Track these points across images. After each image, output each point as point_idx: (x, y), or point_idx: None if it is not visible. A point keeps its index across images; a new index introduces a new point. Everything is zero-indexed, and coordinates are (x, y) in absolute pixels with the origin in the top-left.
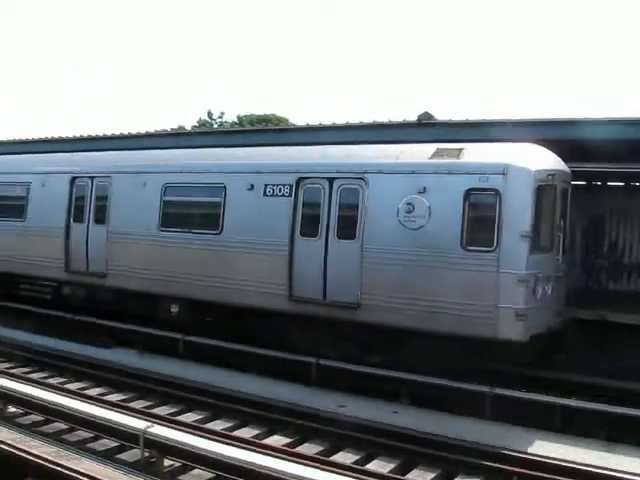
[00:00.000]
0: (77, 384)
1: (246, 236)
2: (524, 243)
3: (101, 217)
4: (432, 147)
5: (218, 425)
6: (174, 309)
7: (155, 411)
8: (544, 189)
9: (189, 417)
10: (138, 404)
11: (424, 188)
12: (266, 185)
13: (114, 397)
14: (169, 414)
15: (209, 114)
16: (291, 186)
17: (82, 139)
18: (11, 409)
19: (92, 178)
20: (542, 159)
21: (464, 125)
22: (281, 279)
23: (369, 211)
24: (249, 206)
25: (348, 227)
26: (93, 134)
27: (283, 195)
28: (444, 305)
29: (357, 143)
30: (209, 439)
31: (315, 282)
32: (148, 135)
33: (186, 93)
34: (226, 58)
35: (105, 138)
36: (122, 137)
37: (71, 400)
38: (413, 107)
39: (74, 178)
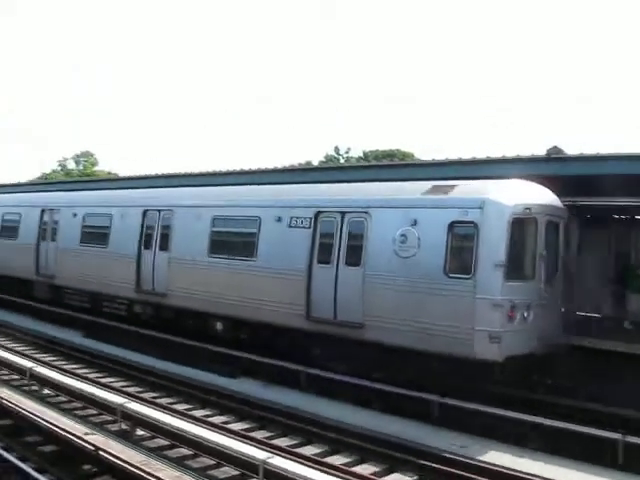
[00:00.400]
0: (202, 411)
1: (274, 263)
2: (498, 271)
3: (165, 245)
4: (428, 184)
5: (337, 460)
6: (219, 326)
7: (276, 442)
8: (522, 222)
9: (309, 450)
10: (259, 434)
11: (415, 221)
12: (291, 217)
13: (237, 426)
14: (289, 446)
15: (336, 149)
16: (310, 219)
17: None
18: (139, 432)
19: (159, 211)
20: (522, 194)
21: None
22: (301, 301)
23: (371, 241)
24: (277, 236)
25: (354, 255)
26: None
27: (304, 227)
28: (432, 327)
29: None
30: (328, 474)
31: (328, 304)
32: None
33: (315, 128)
34: (356, 93)
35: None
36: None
37: (196, 427)
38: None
39: (145, 211)
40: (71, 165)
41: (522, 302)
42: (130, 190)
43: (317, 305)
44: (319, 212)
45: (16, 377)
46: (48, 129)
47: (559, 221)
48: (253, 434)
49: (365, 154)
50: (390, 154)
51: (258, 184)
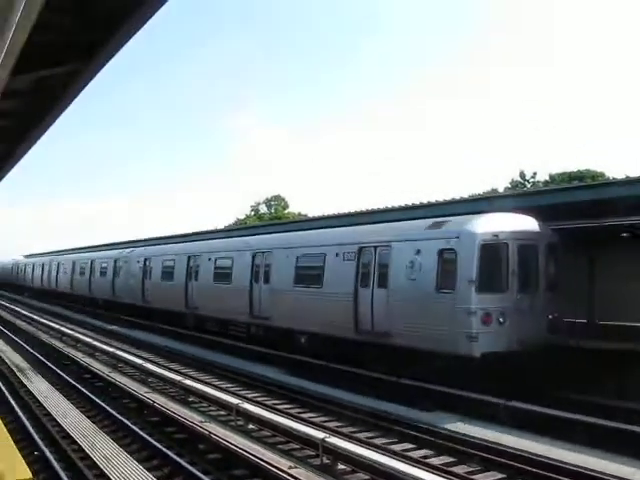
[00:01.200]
0: (401, 445)
1: (334, 289)
2: (471, 286)
3: (266, 279)
4: (431, 221)
5: None
6: (303, 340)
7: (477, 477)
8: (490, 246)
9: None
10: (461, 469)
11: (418, 250)
12: (344, 253)
13: (437, 460)
14: None
15: (521, 174)
16: (355, 252)
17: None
18: (340, 466)
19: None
20: (492, 224)
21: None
22: (350, 317)
23: (392, 268)
24: (336, 267)
25: (382, 279)
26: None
27: (351, 259)
28: (430, 331)
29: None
30: None
31: (368, 318)
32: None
33: (499, 153)
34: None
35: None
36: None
37: (396, 462)
38: None
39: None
40: (263, 209)
41: (496, 309)
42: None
43: (361, 320)
44: (361, 247)
45: (223, 413)
46: (241, 177)
47: (536, 243)
48: (454, 469)
49: (552, 177)
50: (578, 176)
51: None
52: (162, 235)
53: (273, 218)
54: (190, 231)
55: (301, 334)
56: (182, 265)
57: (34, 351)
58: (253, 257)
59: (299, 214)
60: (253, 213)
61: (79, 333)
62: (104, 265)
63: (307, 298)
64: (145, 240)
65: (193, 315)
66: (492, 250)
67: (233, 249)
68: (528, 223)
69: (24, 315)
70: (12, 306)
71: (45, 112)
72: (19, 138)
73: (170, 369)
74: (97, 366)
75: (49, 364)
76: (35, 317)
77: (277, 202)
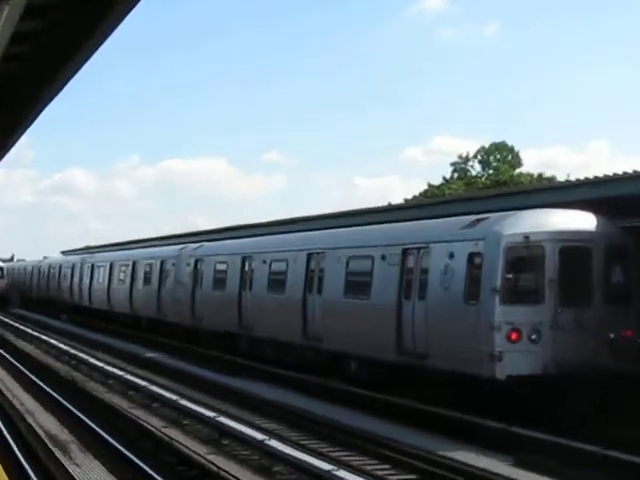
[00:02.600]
0: None
1: (379, 300)
2: (495, 296)
3: (319, 287)
4: (468, 219)
5: None
6: (354, 366)
7: None
8: (520, 249)
9: None
10: None
11: (452, 254)
12: (389, 255)
13: None
14: None
15: None
16: (398, 255)
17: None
18: None
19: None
20: (525, 223)
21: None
22: (392, 335)
23: (430, 275)
24: (382, 274)
25: (422, 289)
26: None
27: (395, 264)
28: (460, 349)
29: None
30: None
31: (409, 336)
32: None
33: None
34: None
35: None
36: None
37: None
38: None
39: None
40: (476, 168)
41: (527, 325)
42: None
43: (404, 338)
44: (405, 250)
45: None
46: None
47: (589, 245)
48: None
49: None
50: None
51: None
52: (215, 228)
53: (492, 185)
54: (254, 222)
55: (351, 359)
56: (235, 269)
57: (82, 415)
58: (308, 259)
59: (535, 178)
60: (456, 176)
61: (155, 385)
62: (148, 269)
63: (355, 312)
64: (196, 234)
65: (247, 337)
66: (522, 254)
67: (289, 248)
68: (579, 221)
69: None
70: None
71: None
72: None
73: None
74: (191, 444)
75: (108, 438)
76: (82, 356)
77: (501, 154)
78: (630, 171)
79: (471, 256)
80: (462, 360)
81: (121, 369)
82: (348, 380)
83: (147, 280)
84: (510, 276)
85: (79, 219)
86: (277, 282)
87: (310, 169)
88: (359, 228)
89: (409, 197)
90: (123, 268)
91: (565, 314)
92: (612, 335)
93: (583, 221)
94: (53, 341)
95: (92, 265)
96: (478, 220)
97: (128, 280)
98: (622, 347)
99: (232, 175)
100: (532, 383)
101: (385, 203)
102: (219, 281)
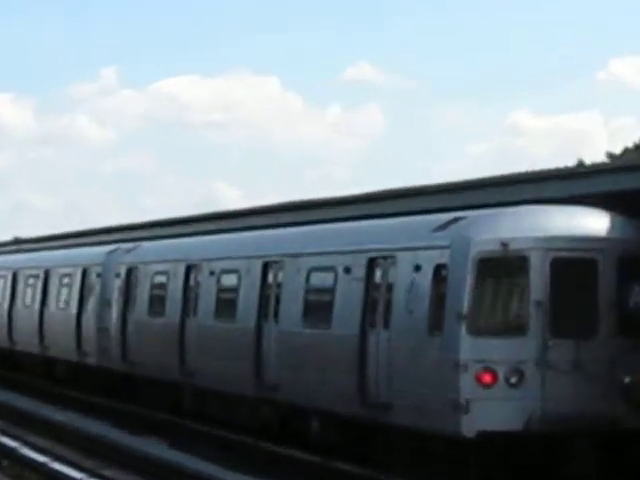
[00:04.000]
0: None
1: (340, 329)
2: (461, 324)
3: (275, 311)
4: (443, 218)
5: None
6: (314, 425)
7: None
8: (497, 261)
9: None
10: None
11: (417, 267)
12: (352, 267)
13: None
14: None
15: None
16: (363, 267)
17: None
18: None
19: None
20: (505, 225)
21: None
22: (354, 379)
23: (394, 295)
24: (345, 293)
25: (387, 314)
26: None
27: (358, 279)
28: (423, 399)
29: None
30: None
31: (373, 381)
32: None
33: None
34: None
35: None
36: None
37: None
38: None
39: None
40: None
41: (505, 363)
42: None
43: (368, 384)
44: (371, 259)
45: None
46: None
47: (594, 256)
48: None
49: None
50: None
51: None
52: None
53: None
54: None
55: (312, 415)
56: (177, 284)
57: None
58: (264, 270)
59: None
60: None
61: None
62: (66, 281)
63: (315, 348)
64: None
65: (191, 388)
66: (499, 267)
67: (241, 253)
68: (582, 221)
69: None
70: None
71: None
72: None
73: None
74: None
75: None
76: None
77: None
78: None
79: (437, 269)
80: (425, 413)
81: (16, 439)
82: (308, 446)
83: (63, 300)
84: (482, 297)
85: (3, 186)
86: (227, 304)
87: (430, 98)
88: (327, 226)
89: (616, 151)
90: (31, 281)
91: (558, 349)
92: (627, 379)
93: (588, 222)
94: None
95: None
96: (452, 220)
97: (37, 300)
98: None
99: (288, 108)
100: (512, 443)
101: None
102: (157, 302)
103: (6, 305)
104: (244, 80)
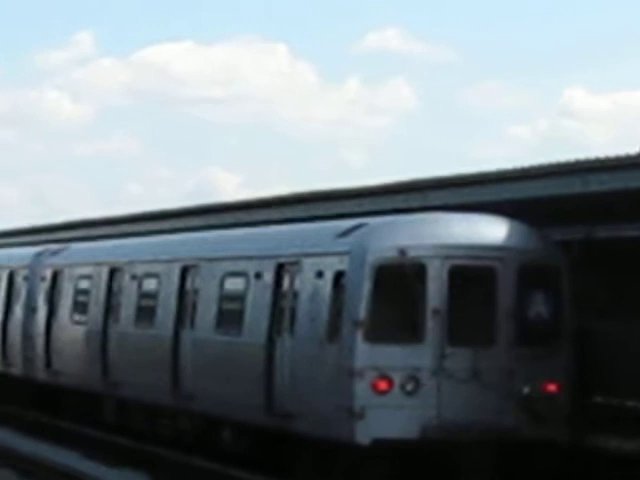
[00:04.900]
0: None
1: (250, 337)
2: (358, 332)
3: (192, 317)
4: (347, 224)
5: None
6: (226, 435)
7: None
8: (395, 269)
9: None
10: None
11: (320, 273)
12: (261, 272)
13: None
14: None
15: None
16: (271, 273)
17: None
18: None
19: None
20: (405, 233)
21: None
22: (260, 387)
23: (299, 303)
24: (255, 299)
25: (292, 321)
26: None
27: (267, 285)
28: (319, 406)
29: None
30: None
31: (280, 389)
32: None
33: None
34: None
35: None
36: None
37: None
38: None
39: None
40: None
41: (401, 371)
42: None
43: (277, 392)
44: (280, 264)
45: None
46: None
47: (493, 264)
48: None
49: None
50: None
51: None
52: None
53: None
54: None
55: (225, 424)
56: (100, 288)
57: None
58: (183, 275)
59: None
60: None
61: None
62: None
63: (226, 355)
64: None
65: (113, 398)
66: (395, 275)
67: (162, 256)
68: (483, 230)
69: None
70: None
71: None
72: None
73: None
74: None
75: None
76: None
77: None
78: None
79: (337, 276)
80: (322, 421)
81: None
82: (220, 455)
83: None
84: (379, 304)
85: None
86: (146, 310)
87: (468, 72)
88: (243, 230)
89: None
90: None
91: (455, 358)
92: (526, 389)
93: (489, 230)
94: None
95: None
96: (355, 227)
97: None
98: (540, 406)
99: (298, 81)
100: (406, 451)
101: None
102: (81, 307)
103: None
104: (247, 49)
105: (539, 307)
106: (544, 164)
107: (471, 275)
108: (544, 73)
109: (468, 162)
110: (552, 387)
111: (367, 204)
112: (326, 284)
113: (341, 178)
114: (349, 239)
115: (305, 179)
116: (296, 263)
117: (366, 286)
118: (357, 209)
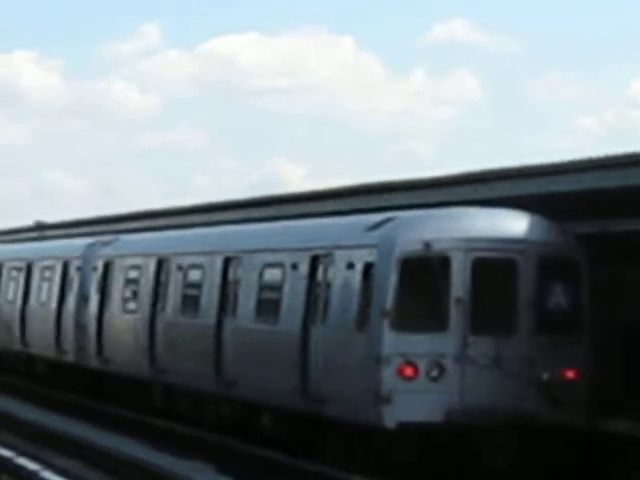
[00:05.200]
0: None
1: (286, 325)
2: (385, 321)
3: (234, 307)
4: (378, 218)
5: None
6: (265, 420)
7: None
8: (420, 261)
9: None
10: None
11: (350, 265)
12: (297, 264)
13: None
14: None
15: None
16: (306, 264)
17: None
18: None
19: None
20: (429, 227)
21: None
22: (295, 373)
23: (331, 293)
24: (292, 289)
25: (324, 310)
26: None
27: (302, 276)
28: (351, 391)
29: None
30: None
31: (312, 374)
32: None
33: None
34: None
35: None
36: None
37: None
38: None
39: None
40: None
41: (426, 358)
42: None
43: (311, 377)
44: (314, 257)
45: None
46: None
47: (514, 257)
48: None
49: None
50: None
51: None
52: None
53: None
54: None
55: (264, 410)
56: (149, 278)
57: None
58: (225, 266)
59: None
60: None
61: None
62: (47, 275)
63: (265, 343)
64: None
65: (161, 385)
66: (421, 267)
67: (205, 248)
68: (504, 224)
69: None
70: None
71: None
72: None
73: None
74: None
75: None
76: None
77: None
78: None
79: (366, 268)
80: (352, 405)
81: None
82: (261, 441)
83: (44, 295)
84: (405, 295)
85: (24, 163)
86: (191, 299)
87: (535, 62)
88: (282, 223)
89: None
90: (14, 274)
91: (478, 345)
92: (545, 376)
93: (509, 224)
94: None
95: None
96: (384, 221)
97: (19, 295)
98: (559, 392)
99: (364, 72)
100: (431, 434)
101: None
102: (130, 296)
103: None
104: (312, 40)
105: (558, 298)
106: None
107: (493, 267)
108: (610, 64)
109: (535, 154)
110: (571, 374)
111: (433, 195)
112: (356, 275)
113: (407, 169)
114: (378, 232)
115: (370, 171)
116: (329, 255)
117: (393, 277)
118: (419, 200)
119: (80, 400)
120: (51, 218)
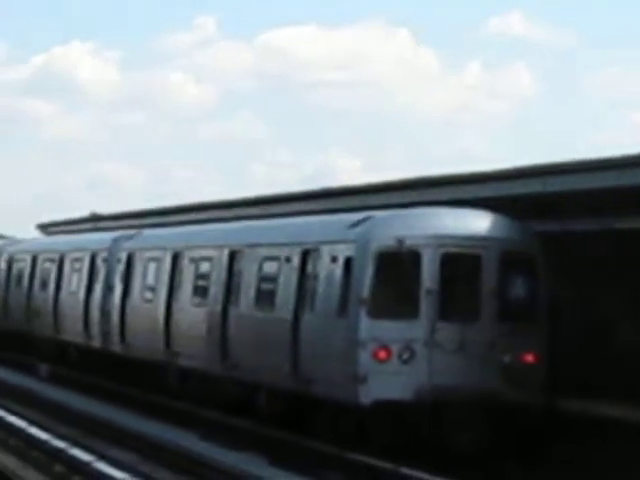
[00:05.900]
0: None
1: (281, 313)
2: (362, 309)
3: (236, 296)
4: (356, 217)
5: None
6: (263, 400)
7: None
8: (394, 255)
9: None
10: None
11: (334, 258)
12: (289, 256)
13: None
14: None
15: None
16: (297, 257)
17: None
18: None
19: None
20: (402, 224)
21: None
22: (287, 355)
23: (318, 284)
24: (286, 280)
25: (312, 300)
26: None
27: (294, 268)
28: (329, 372)
29: None
30: None
31: (302, 358)
32: None
33: None
34: None
35: None
36: None
37: None
38: None
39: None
40: None
41: (398, 342)
42: None
43: (301, 360)
44: (305, 251)
45: None
46: None
47: (479, 252)
48: None
49: None
50: None
51: None
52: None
53: None
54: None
55: (261, 390)
56: (165, 270)
57: None
58: (231, 259)
59: None
60: None
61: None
62: (77, 266)
63: (263, 328)
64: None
65: (176, 368)
66: (394, 261)
67: (214, 242)
68: (470, 223)
69: None
70: None
71: None
72: None
73: None
74: None
75: None
76: None
77: None
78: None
79: (347, 261)
80: (333, 384)
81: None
82: (258, 418)
83: (74, 285)
84: (380, 286)
85: (80, 156)
86: (201, 289)
87: (591, 56)
88: (279, 220)
89: None
90: (47, 265)
91: (445, 331)
92: (506, 359)
93: (475, 223)
94: None
95: (10, 259)
96: (363, 219)
97: (52, 285)
98: (519, 374)
99: (420, 65)
100: (402, 411)
101: None
102: (149, 286)
103: (24, 290)
104: (369, 33)
105: (518, 289)
106: None
107: (459, 261)
108: None
109: (590, 149)
110: (529, 357)
111: (486, 190)
112: (338, 268)
113: (461, 163)
114: (357, 230)
115: (425, 164)
116: (316, 249)
117: (369, 270)
118: (468, 195)
119: (110, 385)
120: (107, 209)
